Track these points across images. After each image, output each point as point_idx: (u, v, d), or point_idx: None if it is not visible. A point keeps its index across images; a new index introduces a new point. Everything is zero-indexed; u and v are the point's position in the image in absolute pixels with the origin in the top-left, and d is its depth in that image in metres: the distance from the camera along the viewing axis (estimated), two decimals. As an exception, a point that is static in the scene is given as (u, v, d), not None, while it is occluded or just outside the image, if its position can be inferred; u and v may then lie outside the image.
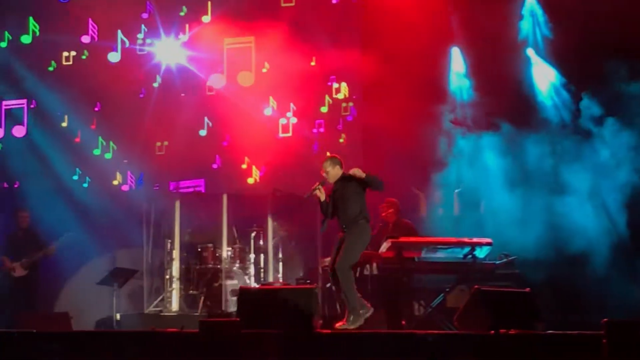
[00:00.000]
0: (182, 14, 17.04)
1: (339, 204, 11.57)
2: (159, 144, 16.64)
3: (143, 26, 16.97)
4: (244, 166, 16.34)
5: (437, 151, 15.43)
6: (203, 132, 16.69)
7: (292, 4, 16.86)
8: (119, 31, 16.92)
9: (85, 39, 16.93)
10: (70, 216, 15.55)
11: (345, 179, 11.69)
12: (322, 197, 11.60)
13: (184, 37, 16.96)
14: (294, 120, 16.73)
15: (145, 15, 16.99)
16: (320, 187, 11.58)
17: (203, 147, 16.53)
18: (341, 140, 16.57)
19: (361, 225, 11.48)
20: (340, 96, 16.81)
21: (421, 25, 15.57)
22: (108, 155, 16.51)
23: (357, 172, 11.36)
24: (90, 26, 16.91)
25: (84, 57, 16.86)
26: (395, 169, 15.00)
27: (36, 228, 14.99)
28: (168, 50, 16.89)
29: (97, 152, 16.51)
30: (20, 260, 14.57)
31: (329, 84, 16.84)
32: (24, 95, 16.65)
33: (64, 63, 16.85)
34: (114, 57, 16.87)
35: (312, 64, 16.65)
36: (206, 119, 16.73)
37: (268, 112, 16.75)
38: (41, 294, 15.02)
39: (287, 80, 16.37)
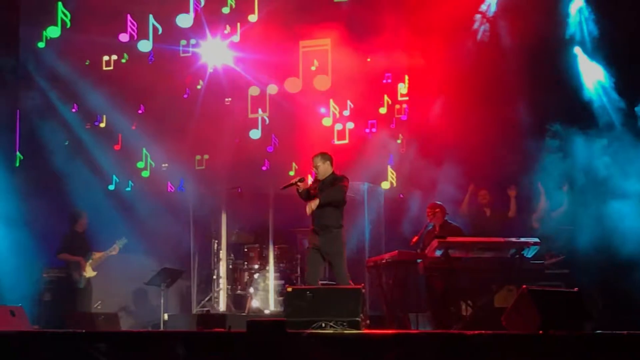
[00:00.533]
0: (225, 11, 16.97)
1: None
2: (198, 157, 16.73)
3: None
4: (292, 173, 16.35)
5: (493, 151, 15.36)
6: (256, 134, 16.71)
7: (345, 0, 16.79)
8: (150, 16, 16.95)
9: (124, 38, 16.98)
10: (117, 218, 15.67)
11: (333, 180, 11.80)
12: (301, 188, 11.92)
13: (234, 38, 16.89)
14: (350, 125, 16.66)
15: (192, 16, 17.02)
16: (298, 182, 11.73)
17: (251, 148, 16.59)
18: (399, 141, 16.47)
19: (335, 234, 11.75)
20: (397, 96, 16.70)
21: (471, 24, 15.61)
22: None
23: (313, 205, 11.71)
24: (129, 23, 16.95)
25: (124, 60, 16.93)
26: (448, 168, 15.04)
27: (91, 230, 15.14)
28: (214, 52, 16.91)
29: (141, 164, 16.61)
30: (88, 261, 14.75)
31: (384, 81, 16.78)
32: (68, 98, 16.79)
33: (105, 68, 16.94)
34: (144, 45, 16.91)
35: (368, 59, 16.60)
36: (260, 119, 16.73)
37: (328, 121, 16.72)
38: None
39: (342, 80, 16.37)
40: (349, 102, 16.68)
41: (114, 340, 9.12)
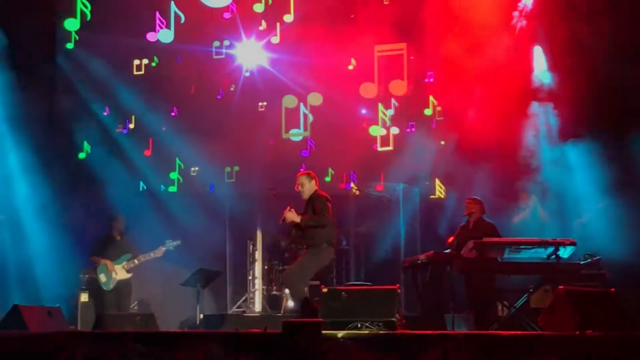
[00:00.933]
0: (258, 9, 16.97)
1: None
2: (228, 169, 16.77)
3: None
4: (328, 179, 16.37)
5: (529, 153, 15.30)
6: (297, 136, 16.73)
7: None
8: (172, 2, 16.97)
9: (152, 37, 17.01)
10: (154, 220, 15.75)
11: (316, 201, 11.86)
12: (297, 219, 11.96)
13: (273, 39, 16.88)
14: (395, 130, 16.64)
15: (227, 15, 17.02)
16: (290, 211, 11.83)
17: (288, 149, 16.63)
18: (442, 143, 16.44)
19: (323, 249, 11.74)
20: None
21: (505, 24, 15.54)
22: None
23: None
24: (157, 22, 16.98)
25: (154, 64, 16.96)
26: (487, 169, 15.00)
27: (130, 232, 15.21)
28: (249, 53, 16.91)
29: (174, 175, 16.68)
30: (121, 263, 14.82)
31: (427, 80, 16.76)
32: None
33: (135, 73, 16.98)
34: (164, 36, 16.94)
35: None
36: (301, 121, 16.75)
37: (376, 130, 16.70)
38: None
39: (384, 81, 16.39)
40: (393, 102, 16.64)
41: (151, 340, 9.17)
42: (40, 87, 16.01)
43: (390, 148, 16.54)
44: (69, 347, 9.04)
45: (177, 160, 16.76)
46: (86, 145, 16.72)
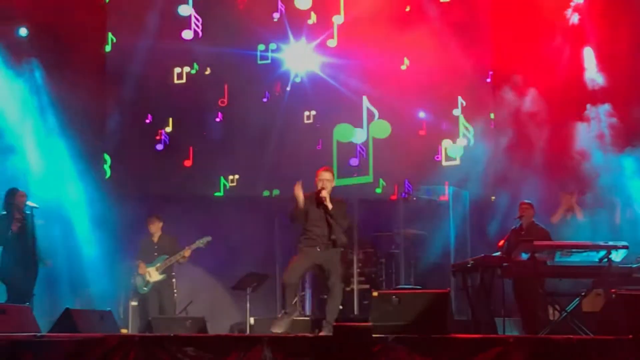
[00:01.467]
0: (305, 6, 16.94)
1: (332, 221, 11.57)
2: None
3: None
4: (379, 190, 16.37)
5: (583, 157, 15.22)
6: (360, 138, 16.72)
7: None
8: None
9: (187, 35, 16.99)
10: (203, 223, 15.81)
11: (340, 204, 11.79)
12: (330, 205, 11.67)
13: (330, 42, 16.84)
14: (463, 142, 16.64)
15: (276, 15, 16.99)
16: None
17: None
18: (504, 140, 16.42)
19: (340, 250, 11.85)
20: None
21: (555, 24, 15.45)
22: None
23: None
24: (193, 20, 17.02)
25: (193, 71, 16.98)
26: (539, 172, 14.93)
27: (169, 234, 15.25)
28: (298, 57, 16.90)
29: (219, 194, 16.74)
30: (155, 265, 14.87)
31: (488, 80, 16.72)
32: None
33: (176, 81, 17.01)
34: (184, 9, 16.94)
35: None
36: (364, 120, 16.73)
37: (455, 152, 16.68)
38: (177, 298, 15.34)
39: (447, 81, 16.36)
40: (460, 100, 16.60)
41: (202, 344, 9.20)
42: (89, 91, 16.12)
43: (456, 162, 16.57)
44: (120, 350, 9.10)
45: (222, 180, 16.80)
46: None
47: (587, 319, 12.09)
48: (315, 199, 11.74)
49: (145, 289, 14.84)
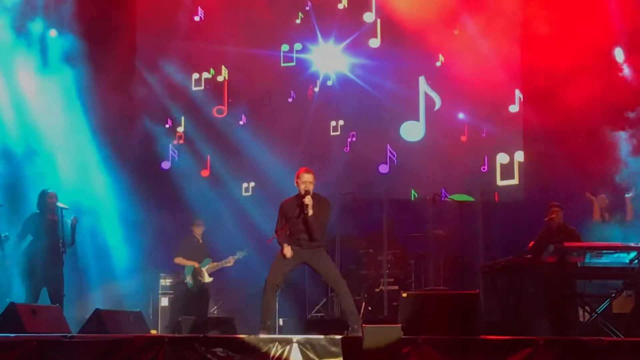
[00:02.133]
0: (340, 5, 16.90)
1: (313, 220, 11.50)
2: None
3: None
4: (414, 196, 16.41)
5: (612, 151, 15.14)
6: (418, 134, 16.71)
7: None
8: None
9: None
10: (233, 223, 15.86)
11: (321, 201, 11.66)
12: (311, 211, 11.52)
13: (373, 42, 16.81)
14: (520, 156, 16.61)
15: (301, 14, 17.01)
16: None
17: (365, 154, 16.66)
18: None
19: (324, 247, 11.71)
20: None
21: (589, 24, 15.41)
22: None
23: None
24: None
25: (220, 78, 17.05)
26: (567, 168, 14.90)
27: (209, 237, 15.36)
28: (326, 58, 16.89)
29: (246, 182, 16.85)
30: (205, 266, 14.97)
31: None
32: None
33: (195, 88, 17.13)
34: None
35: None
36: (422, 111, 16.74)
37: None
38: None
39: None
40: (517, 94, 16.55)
41: (231, 344, 9.23)
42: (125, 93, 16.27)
43: (515, 182, 16.56)
44: (150, 350, 9.14)
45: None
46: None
47: (618, 321, 12.02)
48: (298, 202, 11.68)
49: (196, 288, 14.94)
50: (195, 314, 14.52)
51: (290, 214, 11.67)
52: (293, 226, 11.66)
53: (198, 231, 15.32)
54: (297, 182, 11.68)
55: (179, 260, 15.10)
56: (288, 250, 11.50)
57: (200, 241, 15.30)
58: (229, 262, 15.04)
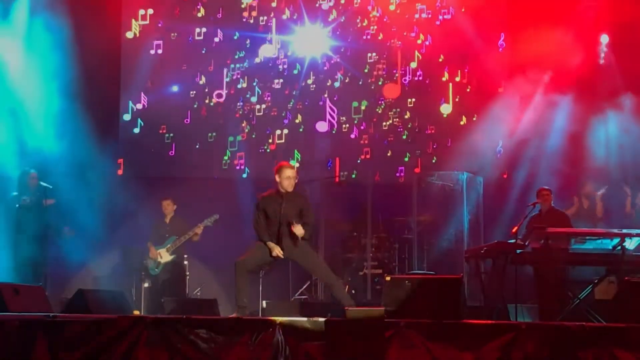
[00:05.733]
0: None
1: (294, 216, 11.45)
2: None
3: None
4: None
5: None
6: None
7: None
8: None
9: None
10: (218, 202, 15.84)
11: (300, 197, 11.70)
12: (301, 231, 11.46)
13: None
14: None
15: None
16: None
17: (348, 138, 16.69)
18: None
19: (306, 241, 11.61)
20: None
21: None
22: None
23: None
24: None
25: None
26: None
27: (180, 216, 15.31)
28: (310, 40, 16.88)
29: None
30: (166, 246, 14.94)
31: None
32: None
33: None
34: None
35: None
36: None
37: None
38: (188, 280, 15.39)
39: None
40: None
41: (214, 326, 9.21)
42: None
43: None
44: (132, 331, 9.12)
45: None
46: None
47: (600, 307, 12.06)
48: (278, 200, 11.56)
49: (156, 270, 14.93)
50: (175, 295, 14.51)
51: (270, 211, 11.53)
52: (273, 226, 11.56)
53: (167, 210, 15.29)
54: (277, 178, 11.50)
55: (148, 244, 15.10)
56: (279, 252, 11.39)
57: (168, 220, 15.29)
58: (196, 232, 14.96)
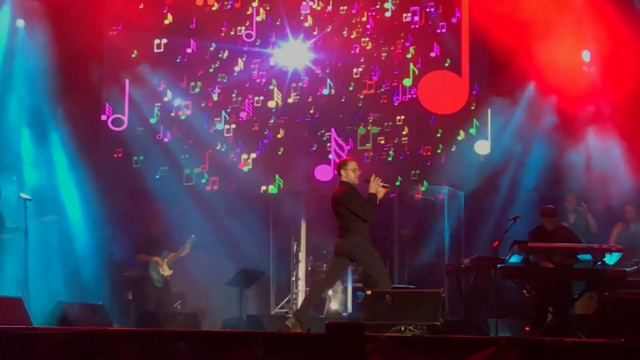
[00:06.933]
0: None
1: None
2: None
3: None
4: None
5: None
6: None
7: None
8: None
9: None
10: (197, 217, 15.81)
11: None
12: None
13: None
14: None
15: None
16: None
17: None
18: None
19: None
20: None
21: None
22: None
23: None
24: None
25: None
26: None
27: (170, 229, 15.31)
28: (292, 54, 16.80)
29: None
30: (164, 260, 14.95)
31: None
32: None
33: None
34: None
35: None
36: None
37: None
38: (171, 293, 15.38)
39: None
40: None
41: (194, 339, 9.18)
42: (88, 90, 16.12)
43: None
44: (112, 344, 9.08)
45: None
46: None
47: (580, 322, 12.10)
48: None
49: (162, 282, 14.92)
50: (160, 308, 14.50)
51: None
52: None
53: (157, 225, 15.28)
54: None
55: (141, 257, 15.05)
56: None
57: (158, 235, 15.27)
58: (185, 249, 15.01)
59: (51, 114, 15.76)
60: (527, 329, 12.39)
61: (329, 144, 16.51)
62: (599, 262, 12.26)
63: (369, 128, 16.43)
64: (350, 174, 11.75)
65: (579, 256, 12.42)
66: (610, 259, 12.30)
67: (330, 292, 15.53)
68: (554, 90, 15.71)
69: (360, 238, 11.60)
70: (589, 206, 14.89)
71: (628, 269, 12.67)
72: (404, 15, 16.57)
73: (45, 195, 15.20)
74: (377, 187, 11.63)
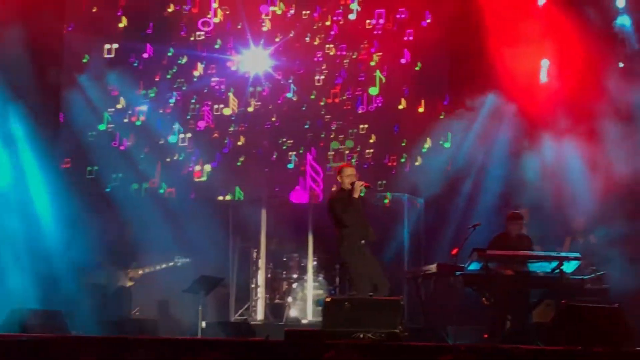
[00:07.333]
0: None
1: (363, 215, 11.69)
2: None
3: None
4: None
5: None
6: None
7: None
8: None
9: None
10: (158, 224, 15.74)
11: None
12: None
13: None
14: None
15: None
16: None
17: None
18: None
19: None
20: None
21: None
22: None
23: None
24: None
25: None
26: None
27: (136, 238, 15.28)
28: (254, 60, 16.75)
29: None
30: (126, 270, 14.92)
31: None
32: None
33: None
34: None
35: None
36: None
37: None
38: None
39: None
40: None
41: (153, 347, 9.15)
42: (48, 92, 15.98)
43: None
44: (68, 352, 9.03)
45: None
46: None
47: (538, 329, 12.16)
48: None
49: (112, 290, 14.86)
50: (119, 315, 14.42)
51: None
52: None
53: (129, 234, 15.24)
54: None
55: (105, 265, 15.01)
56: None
57: (129, 244, 15.21)
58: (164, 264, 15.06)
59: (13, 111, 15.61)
60: (486, 336, 12.44)
61: (290, 153, 16.48)
62: (557, 271, 12.34)
63: (331, 136, 16.45)
64: (344, 180, 11.92)
65: (537, 264, 12.48)
66: (569, 267, 12.38)
67: (289, 299, 15.54)
68: (514, 99, 15.72)
69: (349, 243, 11.74)
70: (539, 215, 14.95)
71: (586, 277, 12.74)
72: (367, 21, 16.50)
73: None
74: (359, 191, 11.76)
